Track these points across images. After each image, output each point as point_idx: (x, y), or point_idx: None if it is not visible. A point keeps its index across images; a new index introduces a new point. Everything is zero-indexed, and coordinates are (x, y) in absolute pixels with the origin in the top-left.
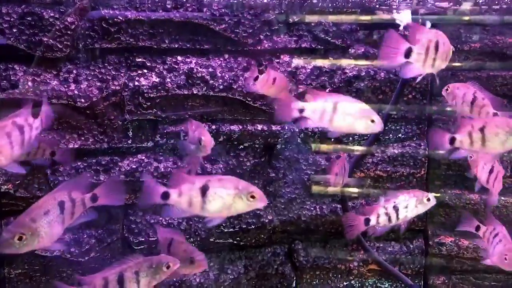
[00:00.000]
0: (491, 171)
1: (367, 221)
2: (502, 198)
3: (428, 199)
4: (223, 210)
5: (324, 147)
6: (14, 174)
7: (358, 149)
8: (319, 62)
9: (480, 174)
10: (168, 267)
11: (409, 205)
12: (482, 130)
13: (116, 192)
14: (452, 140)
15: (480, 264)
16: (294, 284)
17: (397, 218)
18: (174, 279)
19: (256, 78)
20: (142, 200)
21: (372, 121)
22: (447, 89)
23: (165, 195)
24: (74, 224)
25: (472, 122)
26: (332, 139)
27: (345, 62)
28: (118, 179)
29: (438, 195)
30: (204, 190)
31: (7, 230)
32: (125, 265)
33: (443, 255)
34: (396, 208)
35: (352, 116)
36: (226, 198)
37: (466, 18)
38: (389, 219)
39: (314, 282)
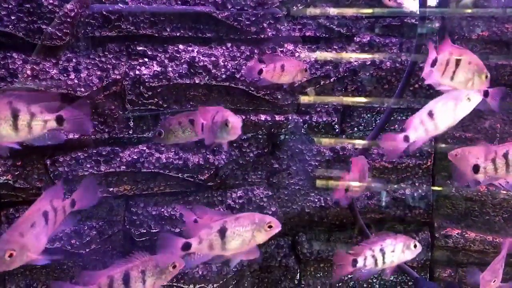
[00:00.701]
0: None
1: (355, 262)
2: None
3: (415, 246)
4: (243, 246)
5: (327, 140)
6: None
7: (361, 142)
8: (324, 51)
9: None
10: (174, 267)
11: (396, 250)
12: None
13: (91, 193)
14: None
15: (488, 256)
16: (298, 276)
17: (383, 262)
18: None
19: (260, 71)
20: (160, 255)
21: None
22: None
23: (186, 246)
24: (56, 232)
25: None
26: (337, 130)
27: (350, 51)
28: (92, 180)
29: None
30: (222, 232)
31: None
32: (131, 264)
33: (450, 248)
34: (383, 252)
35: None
36: (245, 234)
37: (469, 10)
38: (376, 263)
39: (318, 275)
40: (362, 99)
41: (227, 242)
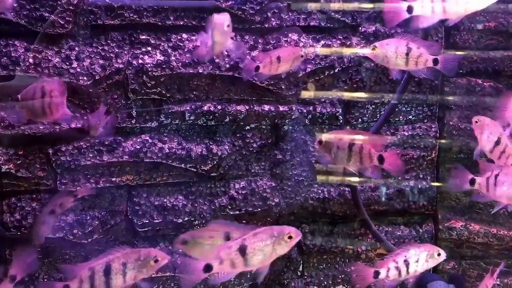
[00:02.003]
0: (497, 143)
1: (377, 273)
2: None
3: (439, 254)
4: (265, 260)
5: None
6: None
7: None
8: (328, 41)
9: (484, 143)
10: (156, 261)
11: (420, 259)
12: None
13: (30, 263)
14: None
15: (492, 249)
16: (300, 268)
17: (407, 272)
18: (179, 262)
19: (257, 68)
20: (182, 279)
21: None
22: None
23: (208, 268)
24: None
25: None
26: (341, 121)
27: (355, 41)
28: (31, 253)
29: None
30: (242, 250)
31: None
32: (112, 256)
33: (453, 240)
34: (407, 263)
35: None
36: (266, 249)
37: None
38: (399, 274)
39: (321, 266)
40: (363, 94)
41: (248, 259)
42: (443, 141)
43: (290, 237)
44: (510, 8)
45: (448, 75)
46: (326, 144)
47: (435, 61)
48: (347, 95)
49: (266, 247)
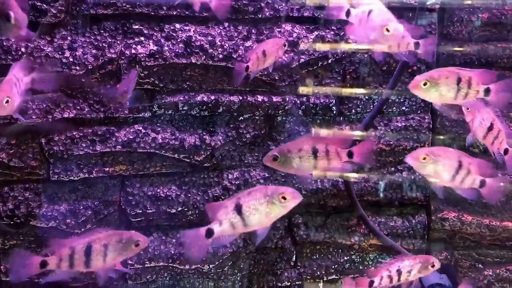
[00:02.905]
0: (490, 129)
1: (371, 283)
2: None
3: (433, 265)
4: (263, 220)
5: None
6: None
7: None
8: (322, 32)
9: (476, 128)
10: (137, 245)
11: (413, 270)
12: None
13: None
14: None
15: (484, 239)
16: (294, 258)
17: (398, 280)
18: (172, 252)
19: (247, 68)
20: (190, 252)
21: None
22: None
23: (209, 232)
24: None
25: None
26: (335, 112)
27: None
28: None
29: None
30: (239, 209)
31: None
32: (94, 236)
33: (446, 231)
34: (399, 272)
35: None
36: (261, 208)
37: (469, 2)
38: (390, 281)
39: (314, 257)
40: (361, 90)
41: (246, 218)
42: (436, 132)
43: (284, 198)
44: (491, 3)
45: (426, 59)
46: (283, 159)
47: (417, 45)
48: (340, 88)
49: (261, 205)
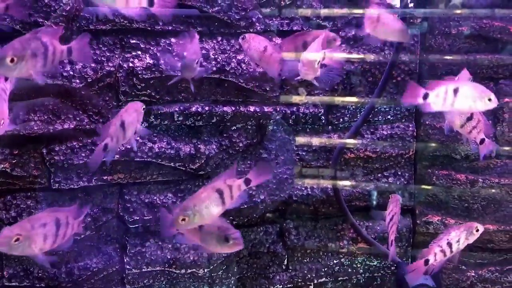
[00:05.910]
0: (469, 118)
1: (427, 261)
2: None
3: (477, 230)
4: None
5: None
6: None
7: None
8: None
9: (454, 118)
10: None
11: (461, 238)
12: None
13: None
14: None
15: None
16: (285, 262)
17: (451, 251)
18: (169, 257)
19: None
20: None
21: (490, 99)
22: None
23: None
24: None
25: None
26: (324, 121)
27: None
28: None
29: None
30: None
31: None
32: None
33: (430, 234)
34: (449, 244)
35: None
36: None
37: (458, 11)
38: (444, 255)
39: (305, 260)
40: (353, 99)
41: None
42: (420, 140)
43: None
44: (481, 13)
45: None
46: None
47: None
48: (330, 99)
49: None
